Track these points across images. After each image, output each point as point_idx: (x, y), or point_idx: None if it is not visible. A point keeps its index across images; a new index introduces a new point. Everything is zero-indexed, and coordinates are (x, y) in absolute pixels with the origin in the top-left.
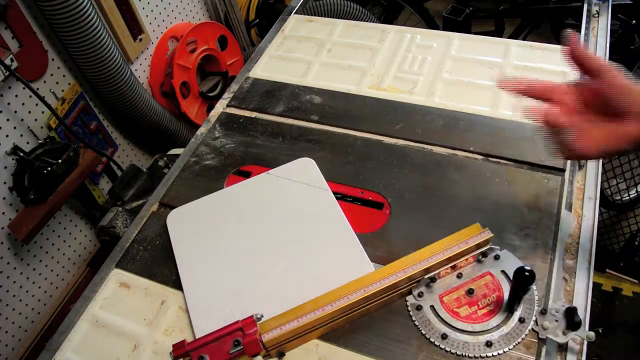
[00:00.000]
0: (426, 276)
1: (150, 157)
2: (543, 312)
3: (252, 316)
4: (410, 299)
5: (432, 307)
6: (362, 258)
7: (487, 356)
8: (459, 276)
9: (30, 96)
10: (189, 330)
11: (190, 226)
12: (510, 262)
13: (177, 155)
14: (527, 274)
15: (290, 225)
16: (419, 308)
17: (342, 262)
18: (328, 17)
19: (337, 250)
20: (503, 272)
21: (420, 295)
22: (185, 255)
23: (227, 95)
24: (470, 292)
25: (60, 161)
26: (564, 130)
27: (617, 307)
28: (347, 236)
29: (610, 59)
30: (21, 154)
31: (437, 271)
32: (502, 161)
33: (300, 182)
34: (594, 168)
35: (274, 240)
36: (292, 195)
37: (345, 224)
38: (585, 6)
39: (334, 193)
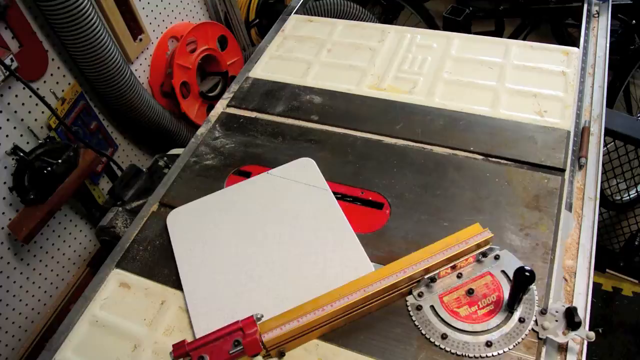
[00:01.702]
0: (426, 276)
1: (150, 157)
2: (543, 312)
3: (252, 316)
4: (410, 299)
5: (432, 307)
6: (362, 258)
7: (487, 356)
8: (459, 276)
9: (30, 96)
10: (189, 330)
11: (190, 226)
12: (510, 262)
13: (177, 155)
14: (527, 274)
15: (290, 225)
16: (419, 308)
17: (342, 262)
18: (328, 17)
19: (337, 250)
20: (503, 272)
21: (420, 295)
22: (185, 255)
23: (227, 95)
24: (470, 292)
25: (60, 161)
26: None
27: (617, 307)
28: (347, 236)
29: (610, 59)
30: (21, 154)
31: (437, 271)
32: (502, 161)
33: (300, 182)
34: (594, 168)
35: (274, 240)
36: (292, 195)
37: (345, 224)
38: (585, 6)
39: (334, 193)
